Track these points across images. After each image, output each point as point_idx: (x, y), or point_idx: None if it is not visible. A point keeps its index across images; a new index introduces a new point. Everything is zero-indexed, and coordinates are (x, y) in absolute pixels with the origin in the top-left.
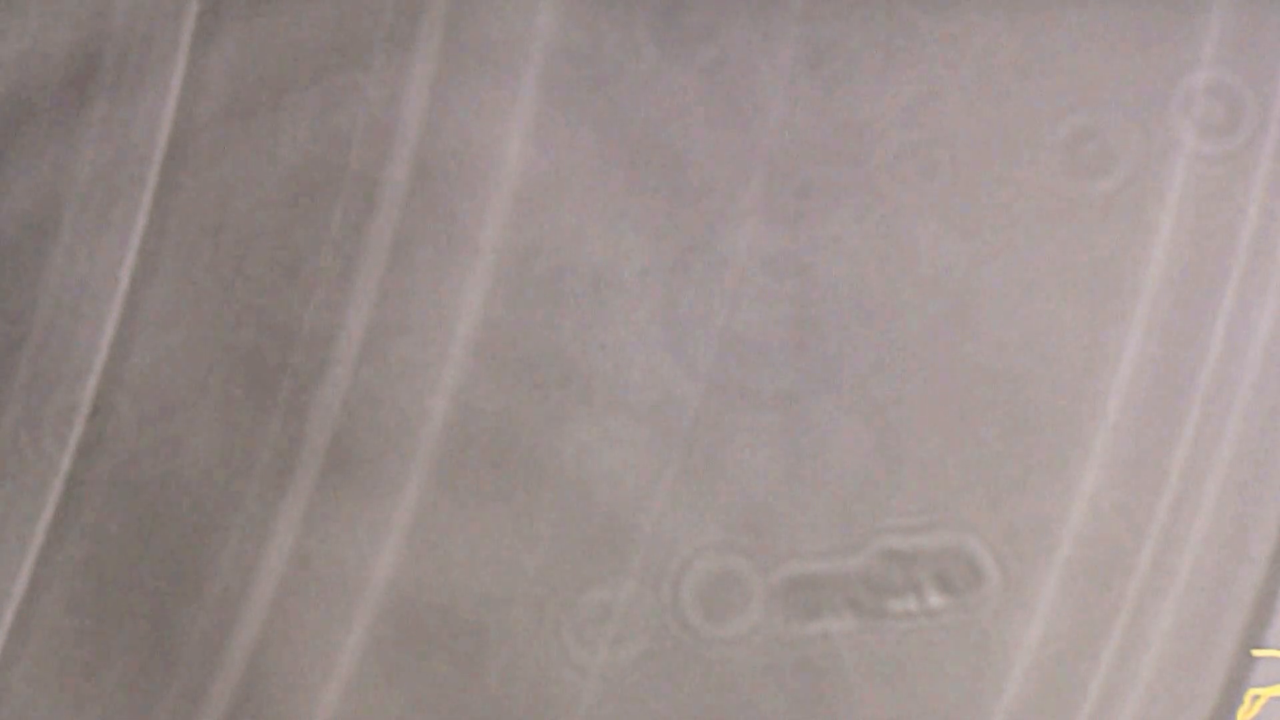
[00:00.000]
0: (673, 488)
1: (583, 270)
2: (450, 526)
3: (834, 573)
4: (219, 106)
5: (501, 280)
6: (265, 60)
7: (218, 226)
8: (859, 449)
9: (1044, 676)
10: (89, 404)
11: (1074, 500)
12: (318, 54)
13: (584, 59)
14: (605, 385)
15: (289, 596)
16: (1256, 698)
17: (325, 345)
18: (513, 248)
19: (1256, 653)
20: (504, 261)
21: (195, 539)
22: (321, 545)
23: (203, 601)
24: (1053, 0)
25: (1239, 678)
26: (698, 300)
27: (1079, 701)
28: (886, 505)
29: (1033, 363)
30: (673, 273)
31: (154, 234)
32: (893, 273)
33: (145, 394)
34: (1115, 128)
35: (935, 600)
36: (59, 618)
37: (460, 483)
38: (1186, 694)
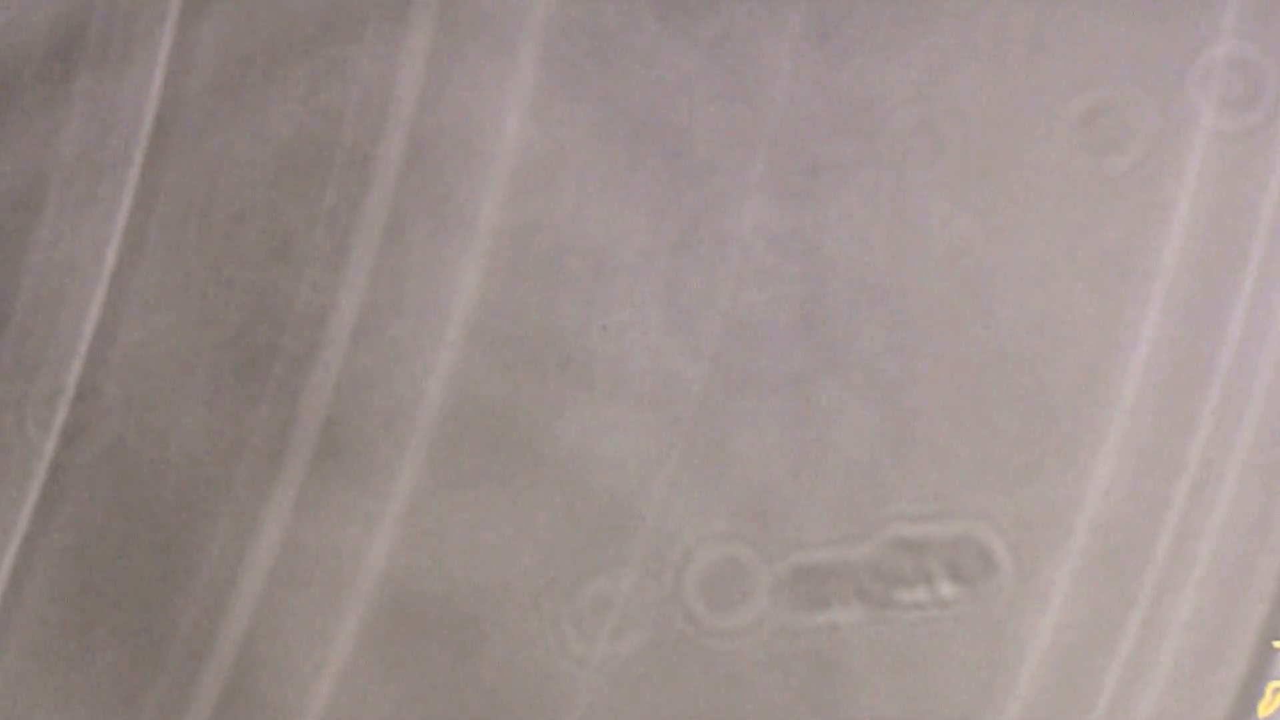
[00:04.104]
0: (675, 474)
1: (582, 250)
2: (446, 514)
3: (842, 562)
4: (207, 80)
5: (499, 260)
6: (255, 33)
7: (206, 205)
8: (867, 434)
9: (1058, 669)
10: (74, 387)
11: (1089, 487)
12: (309, 26)
13: (583, 32)
14: (606, 368)
15: (280, 586)
16: (1278, 690)
17: (317, 327)
18: (510, 227)
19: (1278, 644)
20: (501, 241)
21: (183, 526)
22: (313, 533)
23: (191, 591)
24: None
25: (1260, 670)
26: (701, 281)
27: (1095, 694)
28: (896, 492)
29: (1047, 345)
30: (675, 252)
31: (141, 212)
32: (902, 252)
33: (132, 377)
34: (1132, 102)
35: (946, 590)
36: (43, 608)
37: (456, 469)
38: (1205, 687)
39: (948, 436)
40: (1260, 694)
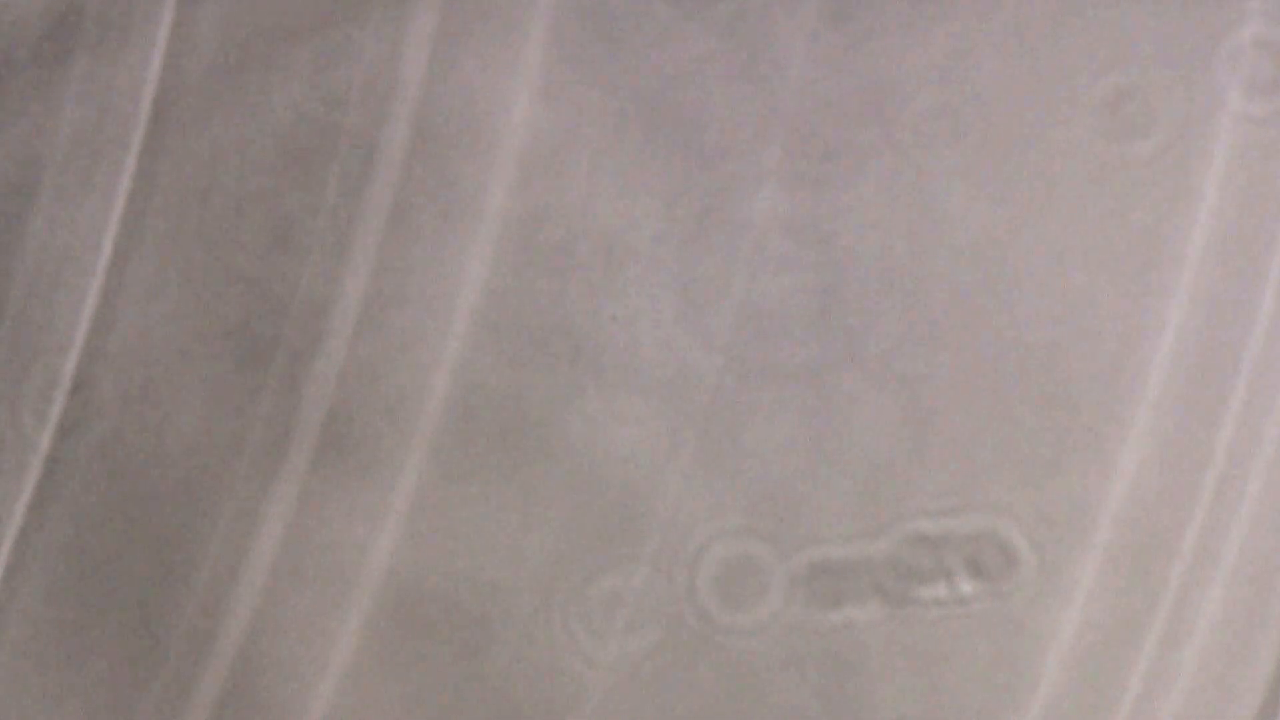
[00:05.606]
0: (688, 468)
1: (593, 238)
2: (452, 509)
3: (859, 558)
4: (207, 63)
5: (507, 248)
6: (256, 14)
7: (206, 191)
8: (886, 426)
9: (1082, 667)
10: (70, 379)
11: (1113, 480)
12: (312, 8)
13: (594, 13)
14: (617, 359)
15: (282, 583)
16: None
17: (320, 317)
18: (519, 214)
19: None
20: (510, 228)
21: (183, 522)
22: (316, 528)
23: (190, 588)
24: None
25: None
26: (715, 269)
27: (1119, 694)
28: (915, 486)
29: (1070, 335)
30: (688, 240)
31: (139, 199)
32: (921, 240)
33: (129, 369)
34: (1157, 86)
35: (966, 587)
36: (38, 606)
37: (463, 462)
38: (1233, 685)
39: (968, 429)
40: None
